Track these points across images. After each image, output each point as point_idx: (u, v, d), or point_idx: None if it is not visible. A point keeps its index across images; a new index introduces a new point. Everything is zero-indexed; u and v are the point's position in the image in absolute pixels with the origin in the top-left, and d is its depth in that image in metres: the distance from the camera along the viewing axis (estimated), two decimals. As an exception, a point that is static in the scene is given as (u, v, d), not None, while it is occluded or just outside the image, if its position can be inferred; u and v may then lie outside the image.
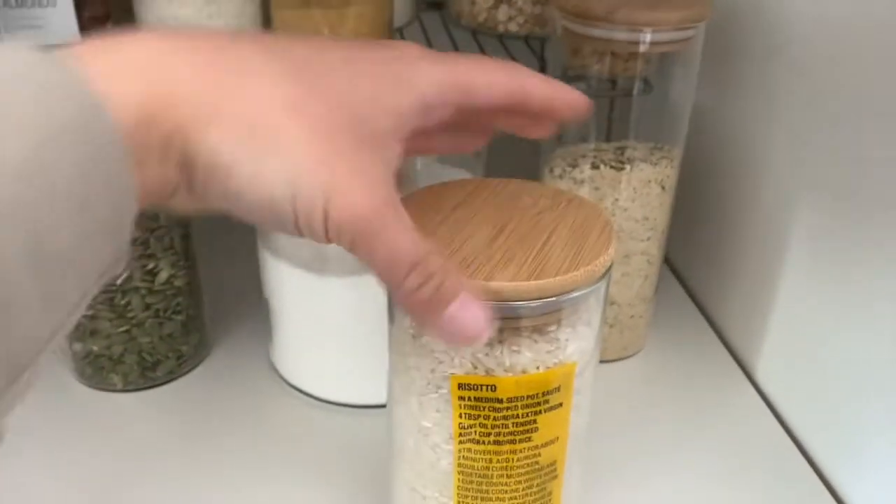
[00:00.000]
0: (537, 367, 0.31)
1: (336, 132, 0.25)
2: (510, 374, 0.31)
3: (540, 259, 0.30)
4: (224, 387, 0.54)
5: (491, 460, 0.33)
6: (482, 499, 0.34)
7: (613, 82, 0.54)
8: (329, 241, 0.25)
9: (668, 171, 0.51)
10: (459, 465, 0.33)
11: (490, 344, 0.30)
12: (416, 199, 0.34)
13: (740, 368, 0.57)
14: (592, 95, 0.53)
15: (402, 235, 0.25)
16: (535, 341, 0.31)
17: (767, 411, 0.53)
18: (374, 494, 0.45)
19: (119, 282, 0.49)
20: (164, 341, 0.53)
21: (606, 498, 0.45)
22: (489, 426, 0.32)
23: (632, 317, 0.56)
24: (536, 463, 0.33)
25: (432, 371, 0.32)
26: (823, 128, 0.48)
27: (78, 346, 0.52)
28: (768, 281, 0.55)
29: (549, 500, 0.35)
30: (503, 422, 0.32)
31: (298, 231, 0.25)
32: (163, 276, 0.51)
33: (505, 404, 0.31)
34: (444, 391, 0.32)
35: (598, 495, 0.45)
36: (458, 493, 0.34)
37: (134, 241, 0.49)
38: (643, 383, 0.56)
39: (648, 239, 0.53)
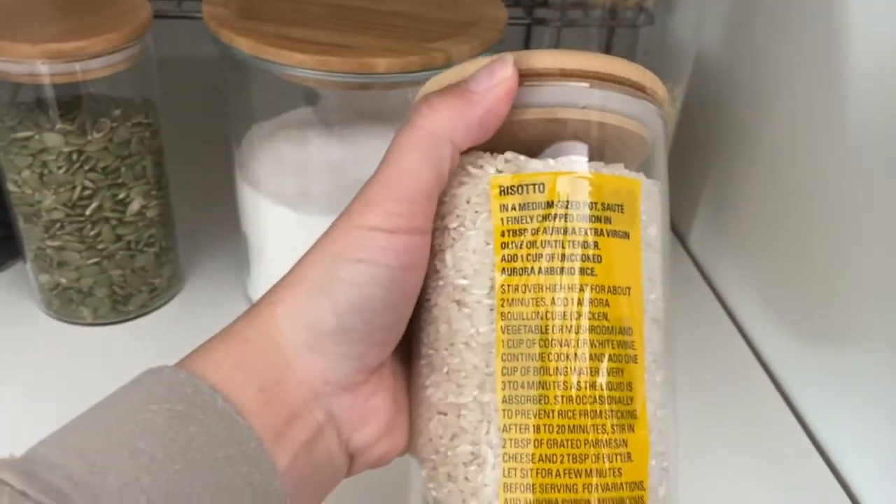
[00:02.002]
0: (594, 171, 0.26)
1: None
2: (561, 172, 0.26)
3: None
4: (198, 321, 0.52)
5: (544, 300, 0.25)
6: (534, 371, 0.25)
7: (613, 11, 0.52)
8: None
9: (669, 112, 0.49)
10: (503, 315, 0.25)
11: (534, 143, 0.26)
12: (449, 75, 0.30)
13: (731, 320, 0.56)
14: (591, 24, 0.51)
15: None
16: (588, 151, 0.26)
17: (759, 366, 0.53)
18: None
19: (88, 212, 0.46)
20: (135, 274, 0.50)
21: None
22: (539, 244, 0.25)
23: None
24: (605, 316, 0.25)
25: (468, 201, 0.26)
26: (833, 72, 0.46)
27: (45, 278, 0.49)
28: (767, 233, 0.53)
29: (629, 397, 0.25)
30: (557, 237, 0.25)
31: None
32: (134, 206, 0.48)
33: (557, 210, 0.25)
34: (484, 216, 0.26)
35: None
36: (502, 370, 0.25)
37: (104, 170, 0.46)
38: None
39: (644, 182, 0.51)
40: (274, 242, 0.48)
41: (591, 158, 0.26)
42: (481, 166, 0.26)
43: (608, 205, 0.26)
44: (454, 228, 0.26)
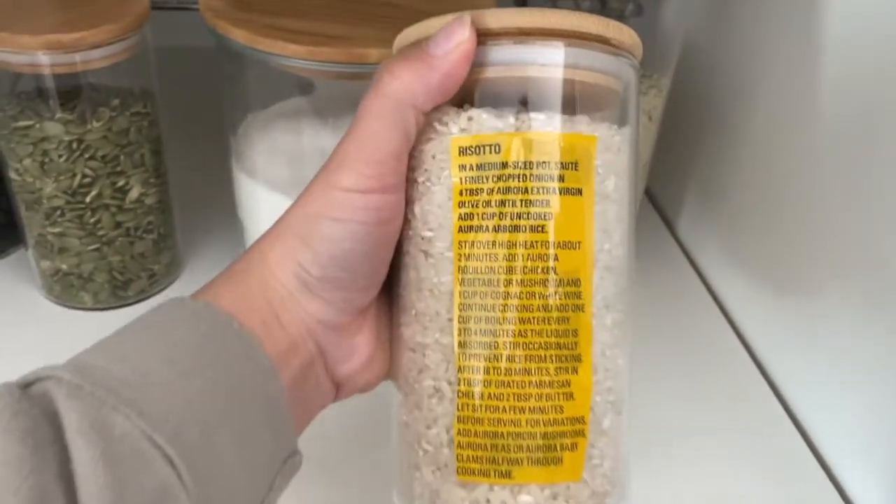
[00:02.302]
0: (551, 131, 0.27)
1: None
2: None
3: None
4: (197, 307, 0.53)
5: (497, 256, 0.27)
6: (486, 320, 0.27)
7: (603, 3, 0.53)
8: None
9: (655, 101, 0.50)
10: (460, 269, 0.27)
11: (497, 108, 0.27)
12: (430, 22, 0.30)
13: (715, 302, 0.58)
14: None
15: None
16: (549, 110, 0.27)
17: (737, 341, 0.54)
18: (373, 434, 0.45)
19: (88, 199, 0.47)
20: (135, 260, 0.51)
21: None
22: (493, 203, 0.27)
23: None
24: (553, 270, 0.27)
25: (433, 157, 0.28)
26: (818, 61, 0.47)
27: (46, 264, 0.50)
28: (749, 217, 0.54)
29: (576, 344, 0.27)
30: (511, 197, 0.27)
31: None
32: (133, 193, 0.49)
33: (511, 170, 0.27)
34: (447, 173, 0.27)
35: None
36: (459, 318, 0.28)
37: (103, 158, 0.47)
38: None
39: (631, 170, 0.52)
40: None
41: (561, 110, 0.27)
42: (446, 123, 0.27)
43: (562, 163, 0.27)
44: (422, 183, 0.28)
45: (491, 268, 0.27)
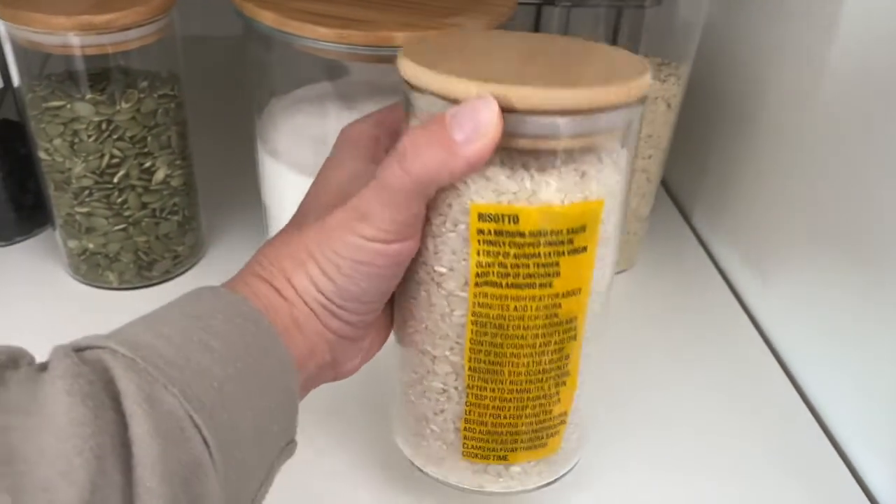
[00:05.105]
0: (562, 200, 0.29)
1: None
2: (534, 206, 0.29)
3: (573, 76, 0.28)
4: (219, 288, 0.54)
5: (508, 307, 0.30)
6: (495, 354, 0.32)
7: (623, -7, 0.53)
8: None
9: (674, 89, 0.51)
10: (474, 313, 0.31)
11: (513, 169, 0.29)
12: (439, 36, 0.33)
13: (731, 292, 0.58)
14: (599, 5, 0.53)
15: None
16: (562, 171, 0.29)
17: (753, 330, 0.54)
18: (381, 365, 0.45)
19: (116, 179, 0.48)
20: (160, 241, 0.52)
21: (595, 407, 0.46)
22: (509, 266, 0.30)
23: (625, 234, 0.56)
24: (556, 315, 0.31)
25: (450, 206, 0.30)
26: (837, 50, 0.47)
27: (73, 244, 0.51)
28: (764, 207, 0.55)
29: (567, 366, 0.33)
30: (524, 261, 0.29)
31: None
32: (159, 174, 0.50)
33: (527, 239, 0.29)
34: (463, 227, 0.30)
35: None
36: (470, 349, 0.32)
37: (131, 139, 0.48)
38: (630, 299, 0.56)
39: (650, 157, 0.53)
40: (293, 212, 0.50)
41: (573, 171, 0.29)
42: (465, 182, 0.29)
43: (572, 229, 0.29)
44: (436, 224, 0.30)
45: (502, 315, 0.31)
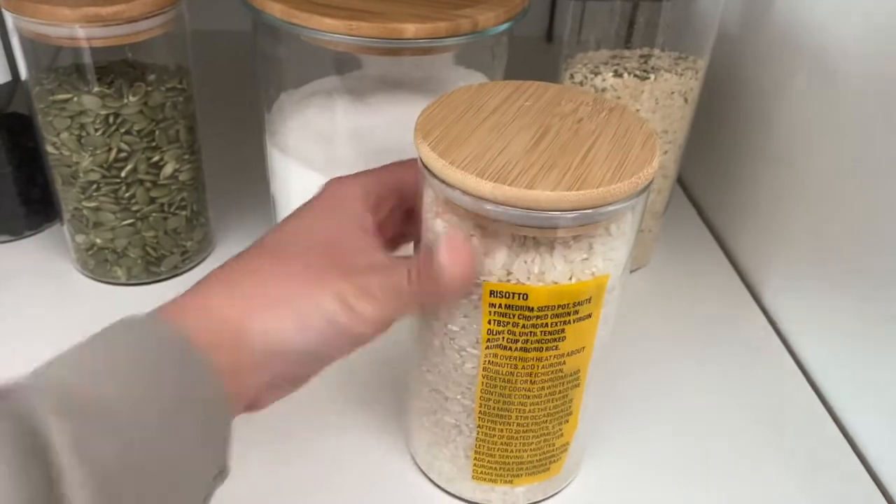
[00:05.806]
0: (570, 278, 0.31)
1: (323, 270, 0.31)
2: (542, 284, 0.30)
3: (582, 169, 0.29)
4: (228, 284, 0.53)
5: (516, 366, 0.33)
6: (504, 402, 0.34)
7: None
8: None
9: (692, 83, 0.50)
10: (485, 369, 0.34)
11: (524, 251, 0.30)
12: (453, 99, 0.34)
13: (746, 288, 0.57)
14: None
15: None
16: (570, 252, 0.30)
17: (769, 328, 0.53)
18: (392, 396, 0.45)
19: (123, 174, 0.48)
20: (168, 236, 0.52)
21: (611, 407, 0.46)
22: (517, 333, 0.32)
23: (640, 231, 0.55)
24: (560, 371, 0.34)
25: None
26: (855, 47, 0.46)
27: (81, 238, 0.51)
28: (781, 204, 0.54)
29: (570, 407, 0.36)
30: (532, 330, 0.32)
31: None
32: (168, 169, 0.49)
33: (535, 313, 0.31)
34: (475, 297, 0.32)
35: (604, 403, 0.45)
36: (480, 397, 0.35)
37: (139, 133, 0.47)
38: (645, 297, 0.56)
39: (666, 152, 0.52)
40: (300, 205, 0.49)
41: (580, 251, 0.31)
42: (478, 261, 0.31)
43: (579, 302, 0.32)
44: None
45: (511, 371, 0.33)
